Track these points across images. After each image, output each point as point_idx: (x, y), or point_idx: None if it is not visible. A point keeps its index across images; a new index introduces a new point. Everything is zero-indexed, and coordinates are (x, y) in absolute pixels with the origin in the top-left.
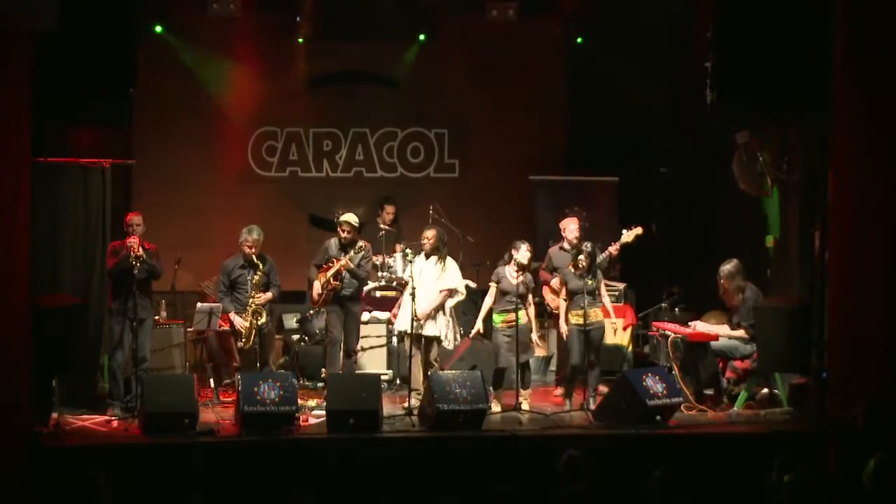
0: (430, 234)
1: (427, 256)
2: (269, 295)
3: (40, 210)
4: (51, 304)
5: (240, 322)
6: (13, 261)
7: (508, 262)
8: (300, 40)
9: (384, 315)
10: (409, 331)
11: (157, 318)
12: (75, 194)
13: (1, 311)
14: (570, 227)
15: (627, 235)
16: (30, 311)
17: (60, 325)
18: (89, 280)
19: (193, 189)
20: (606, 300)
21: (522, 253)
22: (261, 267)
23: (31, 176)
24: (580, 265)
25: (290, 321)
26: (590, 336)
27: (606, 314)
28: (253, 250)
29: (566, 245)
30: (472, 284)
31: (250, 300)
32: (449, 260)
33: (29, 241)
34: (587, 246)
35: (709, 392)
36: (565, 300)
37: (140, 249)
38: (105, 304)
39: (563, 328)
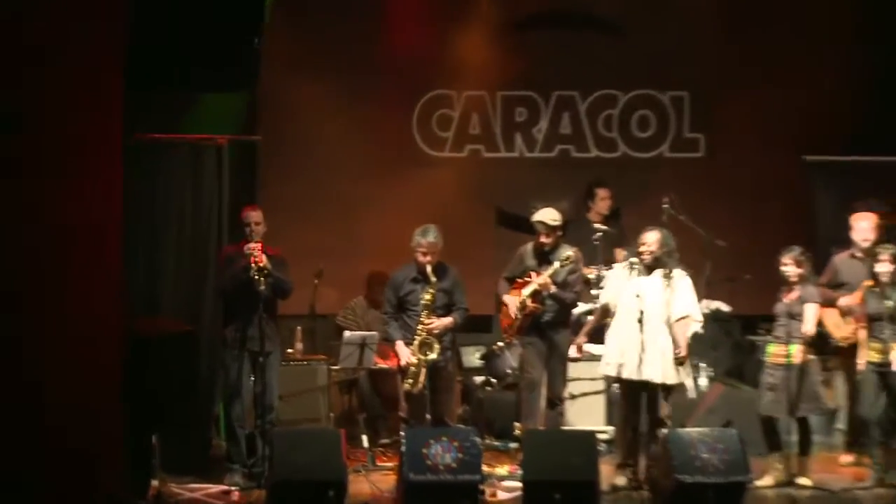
0: (649, 240)
1: (648, 271)
2: (447, 321)
3: (136, 203)
4: (149, 332)
5: (406, 355)
6: (101, 272)
7: None
8: None
9: (601, 349)
10: (620, 375)
11: (289, 351)
12: (182, 182)
13: (84, 341)
14: (859, 227)
15: None
16: (122, 341)
17: (162, 360)
18: (200, 299)
19: (338, 175)
20: None
21: (787, 265)
22: (434, 281)
23: (123, 158)
24: (881, 278)
25: (472, 357)
26: (889, 380)
27: None
28: (428, 258)
29: (858, 252)
30: (725, 307)
31: (419, 326)
32: (678, 274)
33: (121, 246)
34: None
35: None
36: (864, 328)
37: (263, 257)
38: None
39: (860, 364)
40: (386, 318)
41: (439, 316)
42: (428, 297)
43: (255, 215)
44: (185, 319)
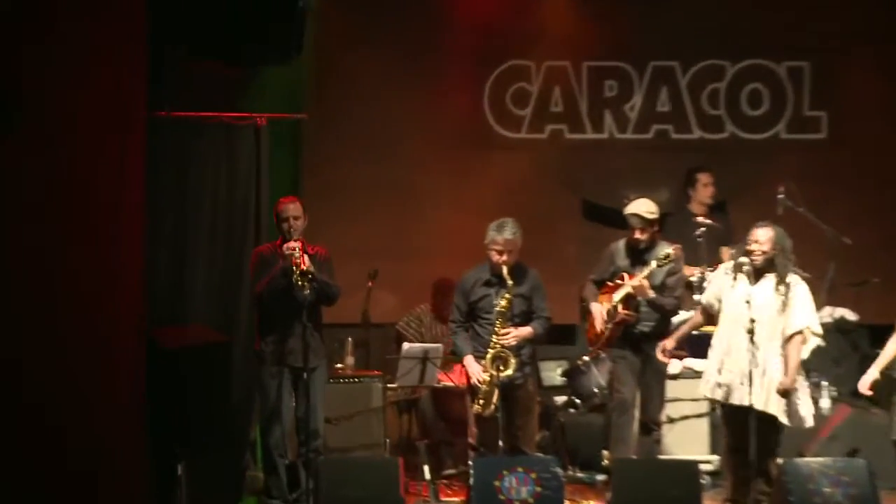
0: (762, 238)
1: (756, 275)
2: (525, 331)
3: (161, 191)
4: (175, 343)
5: (477, 371)
6: (118, 274)
7: None
8: None
9: (703, 364)
10: (726, 399)
11: (337, 366)
12: (215, 167)
13: (99, 354)
14: None
15: None
16: (142, 353)
17: (190, 376)
18: (234, 305)
19: (397, 160)
20: None
21: None
22: (511, 285)
23: (146, 140)
24: None
25: (553, 373)
26: None
27: None
28: (505, 258)
29: None
30: (850, 316)
31: (493, 338)
32: (795, 281)
33: (142, 241)
34: None
35: None
36: None
37: (305, 258)
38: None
39: None
40: (454, 327)
41: (516, 325)
42: (503, 303)
43: (293, 208)
44: (218, 329)
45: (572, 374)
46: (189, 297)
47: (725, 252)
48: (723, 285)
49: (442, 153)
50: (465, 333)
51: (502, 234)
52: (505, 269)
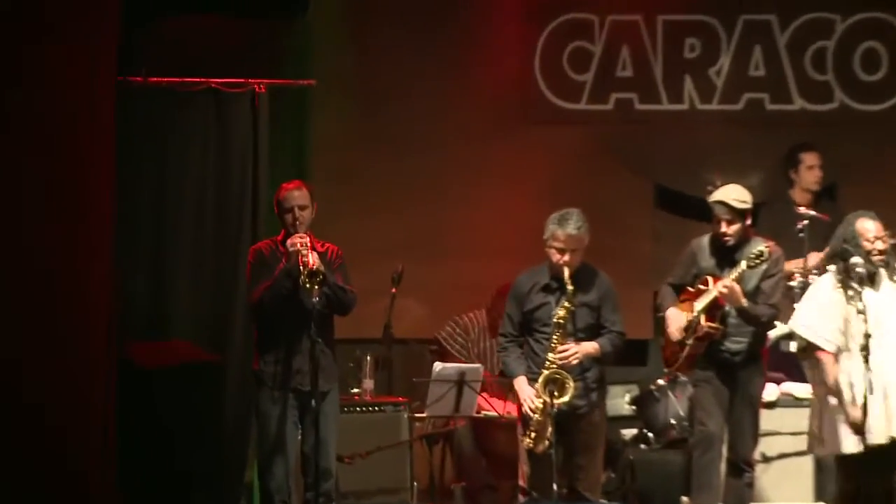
0: (880, 231)
1: (871, 277)
2: (589, 347)
3: (137, 171)
4: (153, 362)
5: (529, 397)
6: (83, 278)
7: None
8: None
9: (805, 389)
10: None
11: (353, 391)
12: (202, 145)
13: (58, 371)
14: None
15: None
16: (113, 373)
17: (172, 402)
18: (227, 315)
19: (426, 137)
20: None
21: None
22: (571, 290)
23: (116, 109)
24: None
25: (620, 400)
26: None
27: None
28: (567, 258)
29: None
30: None
31: (548, 355)
32: None
33: (112, 233)
34: None
35: None
36: None
37: (314, 256)
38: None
39: None
40: (503, 342)
41: (578, 342)
42: (561, 312)
43: (299, 196)
44: (206, 345)
45: (644, 401)
46: (171, 305)
47: (814, 257)
48: (840, 314)
49: (483, 129)
50: (517, 350)
51: (565, 229)
52: (567, 272)
